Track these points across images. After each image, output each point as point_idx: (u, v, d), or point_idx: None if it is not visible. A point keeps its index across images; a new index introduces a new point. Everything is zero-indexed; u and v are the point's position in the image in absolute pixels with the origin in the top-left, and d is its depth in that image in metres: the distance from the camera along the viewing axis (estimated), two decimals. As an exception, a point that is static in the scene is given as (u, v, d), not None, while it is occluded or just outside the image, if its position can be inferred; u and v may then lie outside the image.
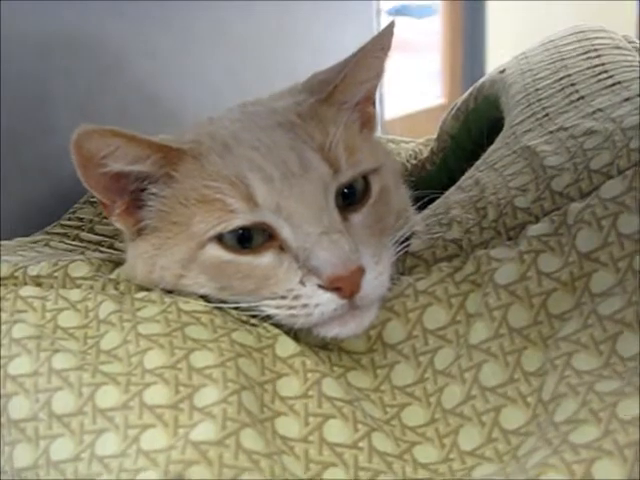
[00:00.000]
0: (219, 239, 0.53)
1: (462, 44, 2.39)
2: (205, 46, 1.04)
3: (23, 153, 0.81)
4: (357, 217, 0.54)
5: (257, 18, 1.11)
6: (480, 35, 2.36)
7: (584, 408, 0.43)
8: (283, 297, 0.51)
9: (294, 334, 0.52)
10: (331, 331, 0.51)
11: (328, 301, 0.50)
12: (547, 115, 0.66)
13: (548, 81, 0.72)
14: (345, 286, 0.50)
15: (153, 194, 0.56)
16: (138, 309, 0.51)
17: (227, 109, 0.62)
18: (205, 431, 0.45)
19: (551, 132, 0.62)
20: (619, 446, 0.41)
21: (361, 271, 0.50)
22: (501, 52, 2.31)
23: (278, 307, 0.51)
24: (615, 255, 0.48)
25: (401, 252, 0.55)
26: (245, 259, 0.53)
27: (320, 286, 0.50)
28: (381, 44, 0.57)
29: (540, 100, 0.69)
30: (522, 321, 0.49)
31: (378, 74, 0.59)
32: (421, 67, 2.53)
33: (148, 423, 0.46)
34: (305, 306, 0.50)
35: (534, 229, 0.52)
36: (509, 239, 0.53)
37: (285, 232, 0.52)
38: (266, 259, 0.52)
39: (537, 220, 0.53)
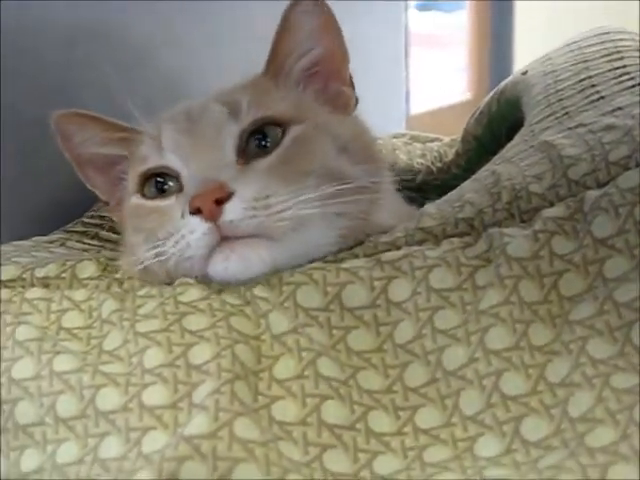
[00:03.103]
0: (142, 192, 0.58)
1: (489, 39, 2.38)
2: (231, 38, 1.05)
3: (49, 146, 0.82)
4: (263, 162, 0.54)
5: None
6: (508, 30, 2.35)
7: (600, 406, 0.43)
8: (172, 234, 0.52)
9: None
10: (218, 266, 0.51)
11: (196, 225, 0.50)
12: (567, 114, 0.65)
13: (569, 82, 0.72)
14: (202, 204, 0.50)
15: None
16: (139, 306, 0.51)
17: None
18: (198, 424, 0.44)
19: (570, 129, 0.61)
20: (636, 450, 0.40)
21: (223, 192, 0.50)
22: (529, 47, 2.30)
23: (173, 247, 0.52)
24: (631, 242, 0.47)
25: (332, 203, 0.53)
26: (153, 202, 0.57)
27: (191, 213, 0.51)
28: (302, 8, 0.58)
29: (560, 100, 0.69)
30: (532, 296, 0.47)
31: (313, 39, 0.60)
32: (448, 62, 2.52)
33: (149, 425, 0.46)
34: (183, 237, 0.51)
35: (550, 211, 0.51)
36: (522, 222, 0.52)
37: (183, 172, 0.55)
38: (168, 201, 0.56)
39: (552, 205, 0.52)
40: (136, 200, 0.58)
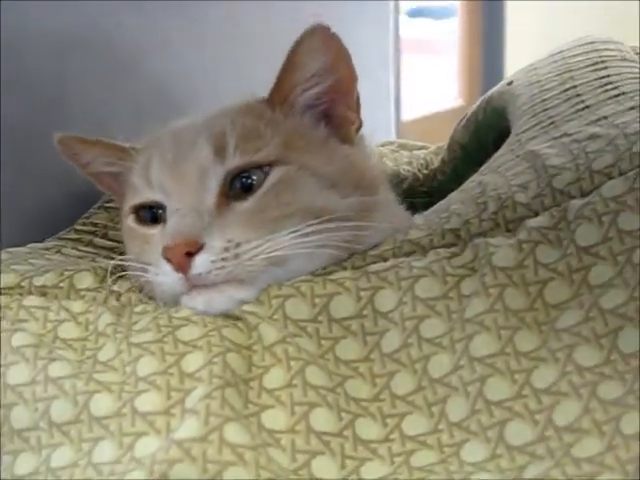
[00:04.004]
0: (137, 213, 0.59)
1: (481, 45, 2.39)
2: (221, 44, 1.05)
3: (39, 154, 0.80)
4: (242, 205, 0.55)
5: (273, 16, 1.11)
6: (499, 36, 2.36)
7: (587, 416, 0.43)
8: (152, 264, 0.54)
9: None
10: (187, 304, 0.53)
11: (168, 272, 0.52)
12: (552, 123, 0.66)
13: (555, 92, 0.73)
14: (172, 257, 0.52)
15: None
16: (134, 322, 0.53)
17: None
18: (188, 428, 0.45)
19: (555, 138, 0.61)
20: (621, 462, 0.41)
21: (193, 245, 0.51)
22: (520, 53, 2.31)
23: (153, 274, 0.54)
24: (615, 250, 0.48)
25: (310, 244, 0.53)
26: (143, 228, 0.58)
27: (164, 258, 0.52)
28: (308, 46, 0.57)
29: (546, 110, 0.70)
30: (518, 304, 0.48)
31: (320, 76, 0.59)
32: (440, 68, 2.53)
33: (141, 430, 0.47)
34: (158, 275, 0.53)
35: (534, 221, 0.52)
36: (508, 231, 0.53)
37: (168, 208, 0.56)
38: (155, 230, 0.57)
39: (536, 215, 0.53)
40: (130, 223, 0.60)
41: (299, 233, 0.53)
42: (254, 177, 0.55)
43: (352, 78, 0.60)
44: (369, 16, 1.32)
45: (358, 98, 0.62)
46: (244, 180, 0.55)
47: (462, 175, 0.85)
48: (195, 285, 0.52)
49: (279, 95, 0.60)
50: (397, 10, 1.47)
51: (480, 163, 0.71)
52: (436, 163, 0.94)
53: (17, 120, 0.79)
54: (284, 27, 1.14)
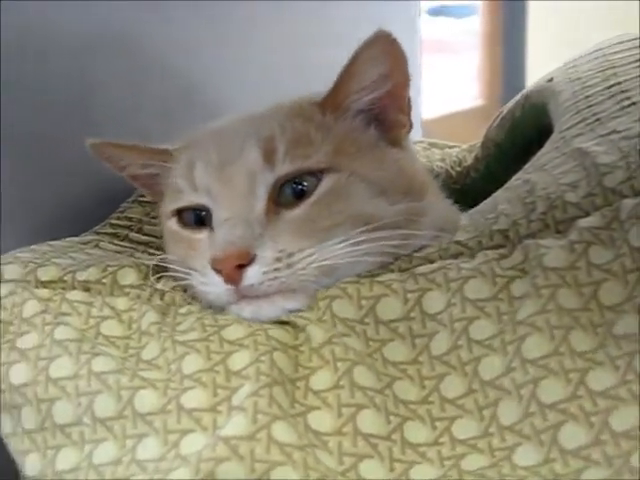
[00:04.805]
0: (180, 216, 0.58)
1: (502, 45, 2.37)
2: (245, 46, 1.05)
3: (66, 154, 0.81)
4: (291, 213, 0.54)
5: (297, 18, 1.11)
6: (520, 36, 2.34)
7: None
8: (197, 271, 0.54)
9: None
10: (237, 312, 0.52)
11: (217, 283, 0.52)
12: (598, 120, 0.65)
13: (598, 88, 0.71)
14: (223, 269, 0.51)
15: None
16: (179, 323, 0.52)
17: None
18: (236, 426, 0.45)
19: (602, 136, 0.60)
20: None
21: (244, 257, 0.51)
22: (541, 53, 2.30)
23: (199, 281, 0.54)
24: None
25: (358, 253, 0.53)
26: (187, 232, 0.57)
27: (213, 268, 0.52)
28: (370, 55, 0.57)
29: (590, 106, 0.68)
30: (571, 304, 0.47)
31: (377, 82, 0.59)
32: (460, 67, 2.52)
33: (187, 427, 0.46)
34: (205, 284, 0.53)
35: (585, 221, 0.51)
36: (558, 232, 0.52)
37: (215, 215, 0.55)
38: (201, 234, 0.56)
39: (587, 215, 0.52)
40: (172, 225, 0.59)
41: (351, 241, 0.52)
42: (306, 184, 0.55)
43: (406, 82, 0.60)
44: (395, 17, 1.31)
45: (409, 100, 0.62)
46: (295, 186, 0.55)
47: (495, 173, 0.85)
48: (245, 295, 0.52)
49: (334, 101, 0.59)
50: (419, 10, 1.46)
51: (514, 161, 0.70)
52: (469, 160, 0.93)
53: (40, 122, 0.79)
54: (310, 28, 1.15)
